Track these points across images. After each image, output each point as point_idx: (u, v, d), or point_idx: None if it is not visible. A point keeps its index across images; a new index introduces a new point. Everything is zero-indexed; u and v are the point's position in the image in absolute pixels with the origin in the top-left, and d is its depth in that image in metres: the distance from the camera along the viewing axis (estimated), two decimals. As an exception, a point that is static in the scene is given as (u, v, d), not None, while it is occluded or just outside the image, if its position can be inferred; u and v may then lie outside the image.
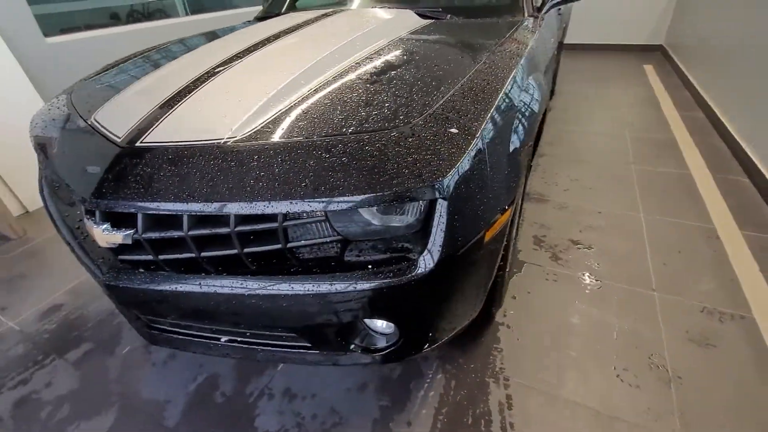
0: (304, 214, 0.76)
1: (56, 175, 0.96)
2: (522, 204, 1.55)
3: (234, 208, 0.72)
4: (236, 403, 1.15)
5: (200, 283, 0.81)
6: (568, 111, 3.26)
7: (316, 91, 0.95)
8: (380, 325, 0.93)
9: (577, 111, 3.25)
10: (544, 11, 1.67)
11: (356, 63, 1.09)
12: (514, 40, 1.27)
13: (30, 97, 2.12)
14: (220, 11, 3.70)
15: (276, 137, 0.80)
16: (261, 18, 1.95)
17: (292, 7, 2.03)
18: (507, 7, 1.60)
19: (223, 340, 0.97)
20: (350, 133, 0.79)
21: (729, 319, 1.33)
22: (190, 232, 0.78)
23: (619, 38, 5.16)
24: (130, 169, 0.81)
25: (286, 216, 0.76)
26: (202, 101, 0.96)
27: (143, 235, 0.79)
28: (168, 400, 1.16)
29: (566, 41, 5.41)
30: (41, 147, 1.06)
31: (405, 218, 0.77)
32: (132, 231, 0.80)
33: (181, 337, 1.00)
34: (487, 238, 0.83)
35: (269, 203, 0.71)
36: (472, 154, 0.77)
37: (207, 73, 1.10)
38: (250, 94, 0.95)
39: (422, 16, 1.55)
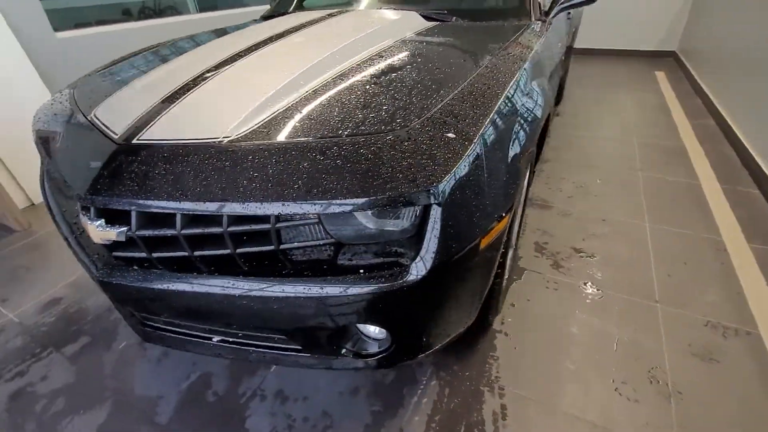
0: (297, 216, 0.76)
1: (55, 170, 0.97)
2: (524, 210, 1.53)
3: (226, 209, 0.72)
4: (228, 403, 1.14)
5: (192, 283, 0.81)
6: (576, 116, 3.23)
7: (314, 92, 0.95)
8: (373, 330, 0.91)
9: (585, 116, 3.21)
10: (551, 15, 1.65)
11: (357, 64, 1.08)
12: (518, 44, 1.25)
13: (39, 91, 2.15)
14: (229, 9, 3.72)
15: (271, 138, 0.80)
16: (267, 17, 1.95)
17: (300, 7, 2.03)
18: (513, 11, 1.58)
19: (215, 339, 0.96)
20: (346, 136, 0.78)
21: (734, 334, 1.29)
22: (183, 231, 0.77)
23: (630, 44, 5.09)
24: (126, 166, 0.81)
25: (279, 217, 0.75)
26: (201, 100, 0.96)
27: (137, 233, 0.79)
28: (161, 397, 1.16)
29: (577, 46, 5.36)
30: (42, 141, 1.07)
31: (400, 222, 0.76)
32: (126, 228, 0.79)
33: (173, 335, 1.00)
34: (482, 245, 0.82)
35: (261, 204, 0.70)
36: (469, 159, 0.76)
37: (207, 71, 1.10)
38: (248, 93, 0.95)
39: (427, 18, 1.54)
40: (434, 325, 0.87)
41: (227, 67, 1.11)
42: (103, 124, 0.95)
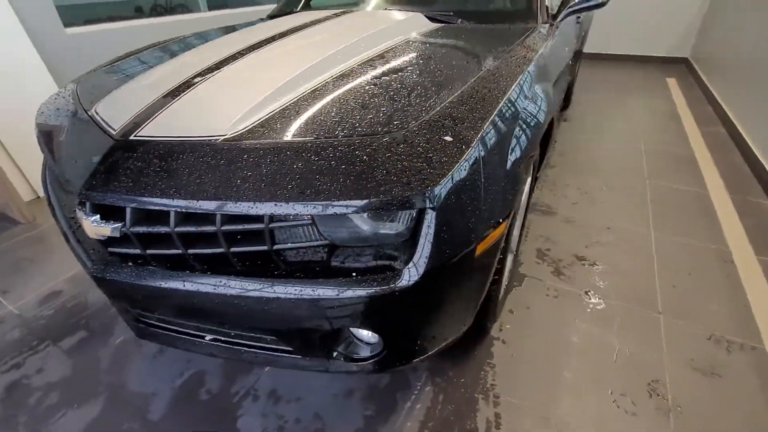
0: (290, 217, 0.75)
1: (54, 165, 0.97)
2: (526, 215, 1.51)
3: (218, 207, 0.71)
4: (221, 402, 1.14)
5: (184, 281, 0.80)
6: (584, 121, 3.19)
7: (313, 91, 0.94)
8: (365, 334, 0.90)
9: (594, 122, 3.17)
10: (559, 19, 1.62)
11: (358, 65, 1.07)
12: (523, 48, 1.23)
13: (48, 86, 2.17)
14: (240, 8, 3.74)
15: (266, 137, 0.79)
16: (273, 16, 1.95)
17: (306, 6, 2.03)
18: (520, 14, 1.56)
19: (207, 338, 0.96)
20: (341, 137, 0.77)
21: (738, 348, 1.26)
22: (177, 229, 0.77)
23: (642, 49, 5.02)
24: (121, 163, 0.81)
25: (272, 218, 0.74)
26: (199, 97, 0.96)
27: (131, 229, 0.79)
28: (154, 394, 1.16)
29: (588, 50, 5.31)
30: (43, 136, 1.07)
31: (394, 226, 0.75)
32: (120, 224, 0.79)
33: (167, 332, 0.99)
34: (478, 251, 0.80)
35: (254, 204, 0.70)
36: (466, 163, 0.74)
37: (208, 69, 1.10)
38: (246, 92, 0.94)
39: (432, 19, 1.53)
40: (427, 331, 0.86)
41: (228, 65, 1.11)
42: (103, 120, 0.95)
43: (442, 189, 0.70)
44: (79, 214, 0.83)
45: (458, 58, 1.12)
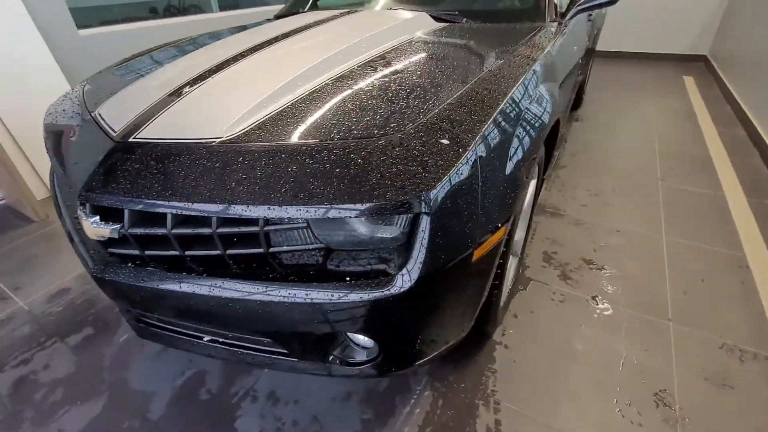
0: (285, 220, 0.74)
1: (57, 165, 0.99)
2: (531, 217, 1.48)
3: (214, 210, 0.71)
4: (220, 402, 1.14)
5: (180, 283, 0.81)
6: (596, 121, 3.12)
7: (311, 93, 0.93)
8: (362, 338, 0.89)
9: (606, 121, 3.11)
10: (568, 17, 1.59)
11: (358, 66, 1.06)
12: (528, 47, 1.20)
13: (61, 87, 2.22)
14: (251, 8, 3.77)
15: (262, 140, 0.79)
16: (280, 16, 1.95)
17: (314, 6, 2.03)
18: (527, 12, 1.53)
19: (205, 339, 0.96)
20: (337, 140, 0.76)
21: (752, 358, 1.21)
22: (174, 231, 0.77)
23: (659, 47, 4.90)
24: (120, 164, 0.82)
25: (267, 220, 0.74)
26: (199, 99, 0.96)
27: (129, 231, 0.80)
28: (155, 393, 1.18)
29: (602, 48, 5.20)
30: (49, 136, 1.09)
31: (389, 230, 0.74)
32: (119, 225, 0.80)
33: (166, 333, 1.00)
34: (475, 257, 0.79)
35: (248, 207, 0.69)
36: (463, 167, 0.73)
37: (209, 70, 1.10)
38: (246, 94, 0.94)
39: (437, 19, 1.51)
40: (424, 336, 0.85)
41: (229, 66, 1.11)
42: (105, 122, 0.96)
43: (437, 193, 0.68)
44: (81, 214, 0.84)
45: (460, 59, 1.10)
